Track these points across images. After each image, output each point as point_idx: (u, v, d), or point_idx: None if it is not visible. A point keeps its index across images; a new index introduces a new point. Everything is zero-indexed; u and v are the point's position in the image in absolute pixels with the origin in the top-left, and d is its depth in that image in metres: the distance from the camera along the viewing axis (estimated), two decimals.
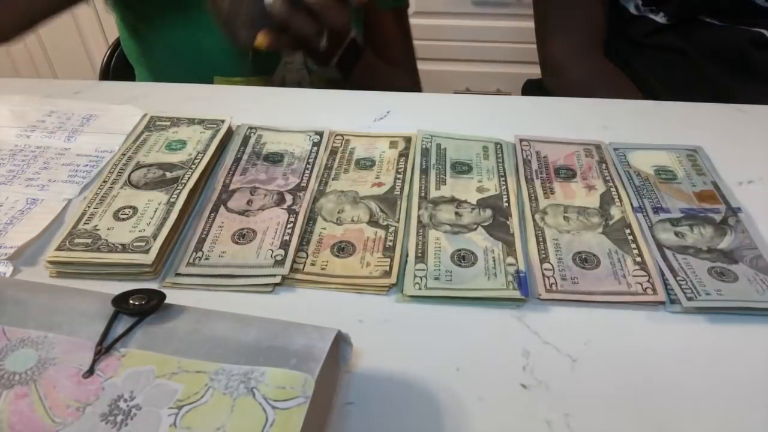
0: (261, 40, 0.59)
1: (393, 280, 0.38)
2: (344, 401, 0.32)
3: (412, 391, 0.32)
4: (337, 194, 0.46)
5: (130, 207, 0.43)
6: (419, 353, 0.34)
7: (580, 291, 0.37)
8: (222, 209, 0.44)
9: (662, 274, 0.38)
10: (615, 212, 0.44)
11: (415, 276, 0.38)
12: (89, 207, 0.43)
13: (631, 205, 0.44)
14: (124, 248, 0.39)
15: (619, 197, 0.45)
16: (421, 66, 0.84)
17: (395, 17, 0.77)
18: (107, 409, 0.25)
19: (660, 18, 0.73)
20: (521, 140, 0.51)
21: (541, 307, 0.37)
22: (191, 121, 0.53)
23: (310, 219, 0.43)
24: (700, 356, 0.34)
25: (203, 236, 0.41)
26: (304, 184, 0.47)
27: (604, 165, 0.49)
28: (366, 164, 0.49)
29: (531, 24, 0.81)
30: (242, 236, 0.41)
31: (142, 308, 0.29)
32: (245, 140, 0.52)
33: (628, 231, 0.42)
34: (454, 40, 1.51)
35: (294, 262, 0.39)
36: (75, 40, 1.66)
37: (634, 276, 0.38)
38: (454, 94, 0.63)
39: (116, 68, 0.87)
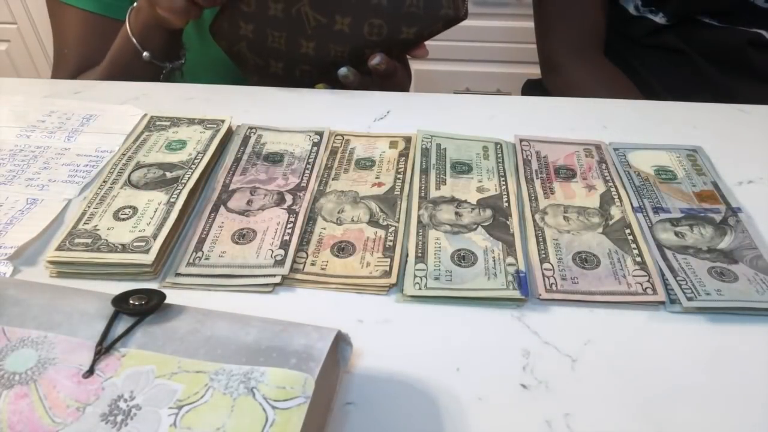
0: None
1: (393, 280, 0.38)
2: (344, 401, 0.32)
3: (412, 391, 0.32)
4: (337, 194, 0.46)
5: (130, 207, 0.43)
6: (419, 353, 0.34)
7: (580, 291, 0.37)
8: (222, 209, 0.44)
9: (662, 274, 0.38)
10: (615, 212, 0.44)
11: (415, 276, 0.38)
12: (89, 207, 0.43)
13: (631, 205, 0.44)
14: (124, 248, 0.39)
15: (619, 197, 0.45)
16: (421, 66, 0.84)
17: None
18: (107, 409, 0.25)
19: (659, 18, 0.73)
20: (521, 140, 0.51)
21: (541, 307, 0.37)
22: (191, 121, 0.53)
23: (310, 219, 0.43)
24: (700, 356, 0.34)
25: (203, 236, 0.41)
26: (304, 184, 0.47)
27: (604, 165, 0.49)
28: (366, 164, 0.49)
29: (531, 24, 0.81)
30: (242, 236, 0.41)
31: (142, 308, 0.29)
32: (245, 140, 0.52)
33: (628, 231, 0.42)
34: (454, 40, 1.51)
35: (294, 262, 0.39)
36: None
37: (634, 276, 0.38)
38: (454, 94, 0.63)
39: None
